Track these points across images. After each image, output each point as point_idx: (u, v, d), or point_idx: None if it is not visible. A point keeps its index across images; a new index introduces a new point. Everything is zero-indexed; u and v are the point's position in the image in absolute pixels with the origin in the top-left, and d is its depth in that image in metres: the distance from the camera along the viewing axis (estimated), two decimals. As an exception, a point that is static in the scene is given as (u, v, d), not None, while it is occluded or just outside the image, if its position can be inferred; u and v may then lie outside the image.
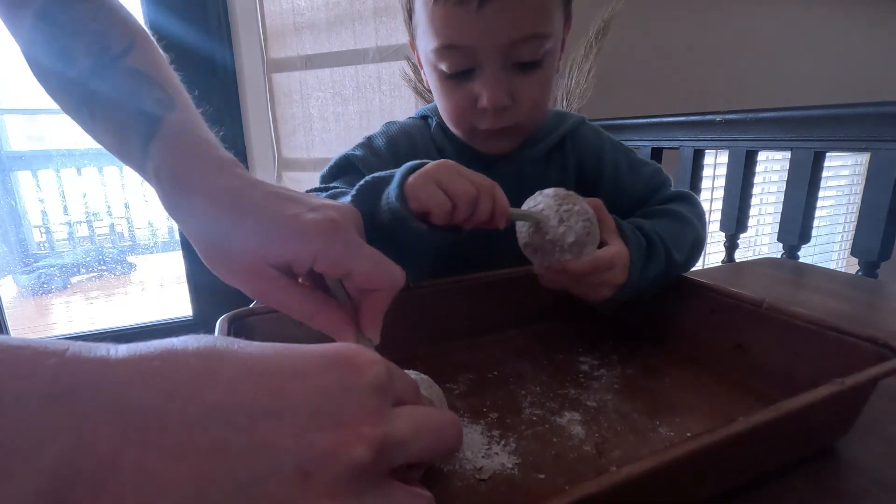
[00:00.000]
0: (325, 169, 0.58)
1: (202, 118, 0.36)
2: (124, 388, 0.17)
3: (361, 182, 0.44)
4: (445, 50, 0.49)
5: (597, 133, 0.64)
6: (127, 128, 0.34)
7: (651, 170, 0.61)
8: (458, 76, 0.51)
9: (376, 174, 0.44)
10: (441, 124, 0.61)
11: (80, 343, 0.17)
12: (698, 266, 0.60)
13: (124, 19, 0.37)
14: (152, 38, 0.38)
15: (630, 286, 0.47)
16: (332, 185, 0.54)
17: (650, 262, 0.49)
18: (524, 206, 0.46)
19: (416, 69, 1.52)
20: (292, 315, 0.32)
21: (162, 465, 0.16)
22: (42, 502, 0.15)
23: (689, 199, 0.59)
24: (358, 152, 0.57)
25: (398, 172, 0.42)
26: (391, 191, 0.41)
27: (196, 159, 0.33)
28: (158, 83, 0.35)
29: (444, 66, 0.50)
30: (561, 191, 0.46)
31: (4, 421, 0.15)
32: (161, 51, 0.38)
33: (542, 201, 0.45)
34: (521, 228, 0.46)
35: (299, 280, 0.32)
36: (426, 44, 0.51)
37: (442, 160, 0.42)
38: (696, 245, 0.55)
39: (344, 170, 0.57)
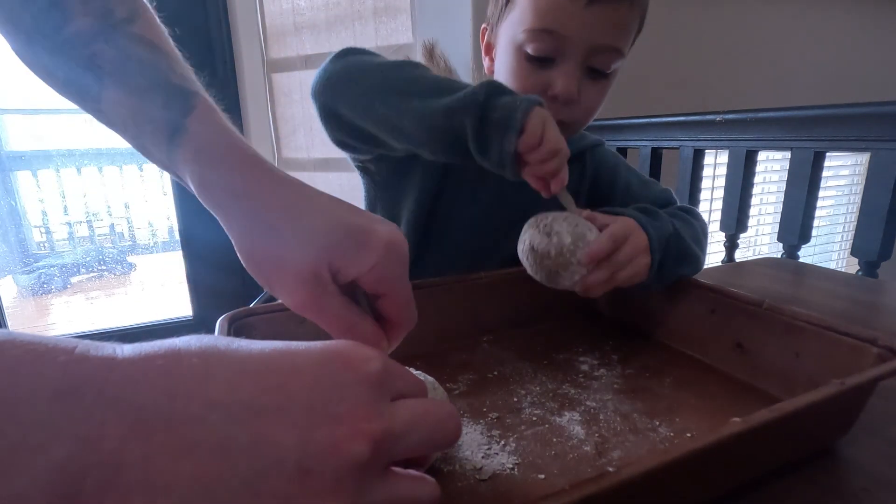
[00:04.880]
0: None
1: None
2: (129, 387, 0.17)
3: (490, 80, 0.47)
4: (541, 33, 0.52)
5: (614, 155, 0.70)
6: (149, 103, 0.30)
7: (660, 188, 0.67)
8: (538, 61, 0.54)
9: (502, 84, 0.47)
10: None
11: (87, 342, 0.17)
12: (698, 266, 0.61)
13: None
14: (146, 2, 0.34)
15: (655, 242, 0.49)
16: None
17: (656, 221, 0.52)
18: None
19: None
20: (330, 324, 0.29)
21: (167, 462, 0.16)
22: (52, 497, 0.15)
23: (693, 212, 0.62)
24: None
25: (531, 96, 0.45)
26: (522, 100, 0.44)
27: (237, 159, 0.30)
28: (178, 58, 0.31)
29: (530, 48, 0.53)
30: (532, 219, 0.47)
31: (17, 415, 0.15)
32: (158, 20, 0.34)
33: (525, 231, 0.47)
34: (540, 272, 0.47)
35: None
36: (520, 24, 0.54)
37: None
38: (698, 241, 0.57)
39: None
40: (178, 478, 0.16)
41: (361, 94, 0.50)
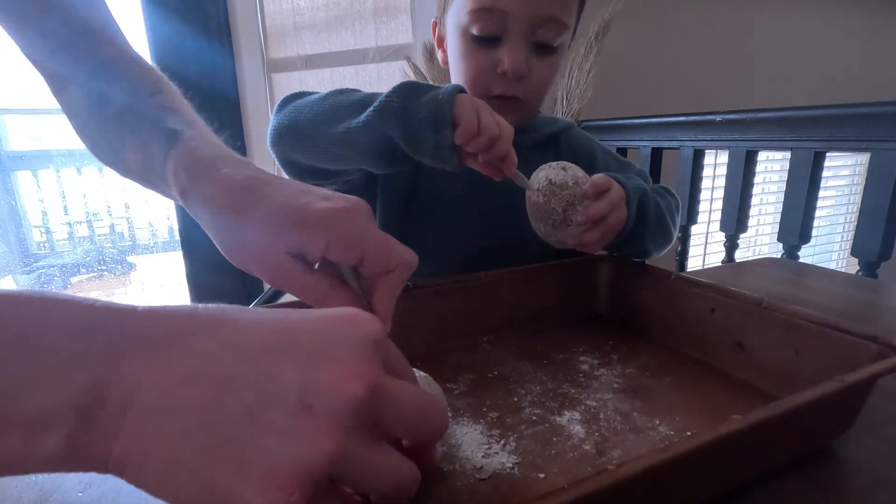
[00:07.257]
0: None
1: (219, 139, 0.40)
2: (148, 325, 0.19)
3: (404, 81, 0.48)
4: (482, 12, 0.55)
5: (588, 137, 0.73)
6: (150, 143, 0.39)
7: (637, 168, 0.69)
8: (484, 41, 0.57)
9: (417, 81, 0.48)
10: None
11: (107, 300, 0.20)
12: (698, 266, 0.61)
13: (151, 71, 0.44)
14: (173, 85, 0.44)
15: (630, 194, 0.54)
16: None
17: (630, 181, 0.55)
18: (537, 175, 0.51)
19: (417, 69, 1.51)
20: (306, 300, 0.33)
21: (177, 386, 0.18)
22: (76, 412, 0.17)
23: (668, 191, 0.66)
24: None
25: (450, 85, 0.47)
26: (444, 92, 0.45)
27: (210, 158, 0.36)
28: (179, 114, 0.40)
29: (475, 29, 0.56)
30: (542, 166, 0.51)
31: (46, 344, 0.18)
32: (182, 96, 0.44)
33: (538, 172, 0.51)
34: (550, 209, 0.50)
35: (315, 266, 0.33)
36: (462, 8, 0.57)
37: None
38: (671, 212, 0.61)
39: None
40: (184, 401, 0.18)
41: (303, 136, 0.51)
